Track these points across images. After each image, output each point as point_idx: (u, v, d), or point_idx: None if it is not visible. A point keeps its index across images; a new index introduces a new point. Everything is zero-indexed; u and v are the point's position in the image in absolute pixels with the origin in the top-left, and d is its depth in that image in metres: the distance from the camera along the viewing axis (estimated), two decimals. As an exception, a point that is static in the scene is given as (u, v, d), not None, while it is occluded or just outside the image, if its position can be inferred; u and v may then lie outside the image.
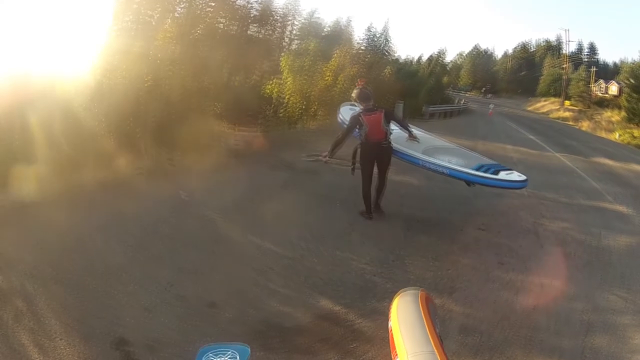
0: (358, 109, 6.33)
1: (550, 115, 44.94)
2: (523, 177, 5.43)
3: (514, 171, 5.62)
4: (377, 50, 23.73)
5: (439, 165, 5.74)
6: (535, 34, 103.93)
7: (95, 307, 3.93)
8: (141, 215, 6.15)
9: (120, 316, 3.84)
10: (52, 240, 5.04)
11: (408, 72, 28.00)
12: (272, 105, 17.80)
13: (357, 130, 5.97)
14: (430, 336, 1.36)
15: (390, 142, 5.97)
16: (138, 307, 4.01)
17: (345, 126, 6.27)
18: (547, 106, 52.49)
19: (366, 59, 19.25)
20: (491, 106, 37.28)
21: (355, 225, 6.44)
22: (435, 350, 1.30)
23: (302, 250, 5.59)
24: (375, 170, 6.23)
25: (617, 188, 10.99)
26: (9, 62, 7.86)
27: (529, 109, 54.26)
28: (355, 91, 6.29)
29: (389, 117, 5.98)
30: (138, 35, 14.29)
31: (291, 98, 17.28)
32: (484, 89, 67.44)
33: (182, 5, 17.11)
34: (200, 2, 17.20)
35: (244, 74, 25.74)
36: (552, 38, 77.12)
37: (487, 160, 6.20)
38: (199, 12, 16.98)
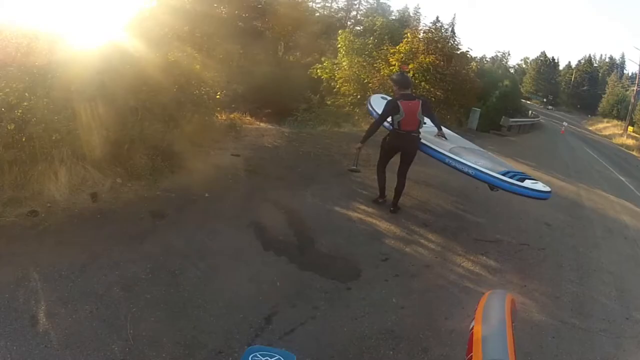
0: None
1: (614, 141, 39.02)
2: (548, 189, 4.77)
3: (539, 182, 4.97)
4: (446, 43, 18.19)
5: (466, 165, 5.07)
6: (599, 48, 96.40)
7: None
8: None
9: None
10: None
11: (481, 71, 21.89)
12: (319, 92, 12.71)
13: (389, 118, 5.14)
14: (509, 347, 1.24)
15: (420, 133, 5.20)
16: None
17: (379, 113, 5.52)
18: (609, 129, 47.85)
19: (445, 49, 13.54)
20: (565, 124, 32.13)
21: None
22: None
23: None
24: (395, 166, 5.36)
25: None
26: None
27: (591, 128, 49.63)
28: (395, 75, 5.72)
29: (426, 107, 5.18)
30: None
31: (343, 85, 12.21)
32: (545, 99, 60.80)
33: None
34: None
35: (301, 52, 21.34)
36: (616, 54, 71.08)
37: (513, 168, 5.47)
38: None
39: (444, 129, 5.72)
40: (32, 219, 3.70)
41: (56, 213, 3.85)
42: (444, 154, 5.27)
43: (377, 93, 11.96)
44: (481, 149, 5.97)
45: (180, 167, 4.87)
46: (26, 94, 4.02)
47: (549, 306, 3.80)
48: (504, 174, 4.99)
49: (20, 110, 3.99)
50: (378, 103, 6.25)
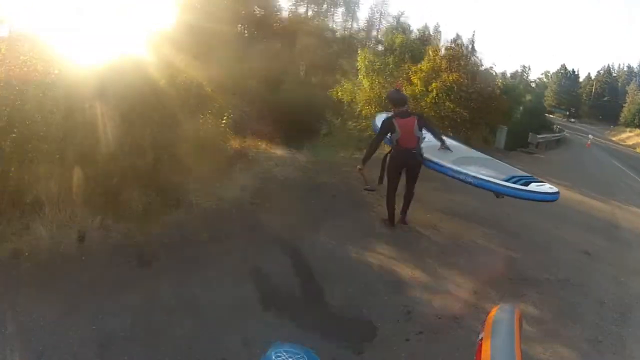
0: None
1: (638, 150, 38.29)
2: (554, 190, 4.62)
3: (546, 183, 4.84)
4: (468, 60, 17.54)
5: (467, 175, 4.85)
6: (617, 57, 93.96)
7: None
8: None
9: None
10: None
11: (506, 87, 21.12)
12: (341, 115, 12.03)
13: (388, 136, 5.02)
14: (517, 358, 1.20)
15: (421, 149, 5.01)
16: None
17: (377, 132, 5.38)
18: (632, 138, 47.02)
19: (468, 66, 12.85)
20: (590, 137, 31.25)
21: None
22: None
23: None
24: (403, 178, 5.16)
25: None
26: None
27: (614, 139, 48.59)
28: (389, 93, 5.72)
29: (423, 123, 5.02)
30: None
31: (365, 107, 11.50)
32: (567, 112, 59.30)
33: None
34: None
35: (322, 74, 20.93)
36: (634, 63, 69.31)
37: (519, 172, 5.25)
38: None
39: (447, 139, 5.57)
40: (14, 260, 3.32)
41: (40, 252, 3.46)
42: (446, 167, 5.14)
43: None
44: (486, 156, 5.85)
45: (178, 202, 4.34)
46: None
47: (591, 353, 3.21)
48: (507, 180, 4.86)
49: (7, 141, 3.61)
50: (380, 121, 6.12)
